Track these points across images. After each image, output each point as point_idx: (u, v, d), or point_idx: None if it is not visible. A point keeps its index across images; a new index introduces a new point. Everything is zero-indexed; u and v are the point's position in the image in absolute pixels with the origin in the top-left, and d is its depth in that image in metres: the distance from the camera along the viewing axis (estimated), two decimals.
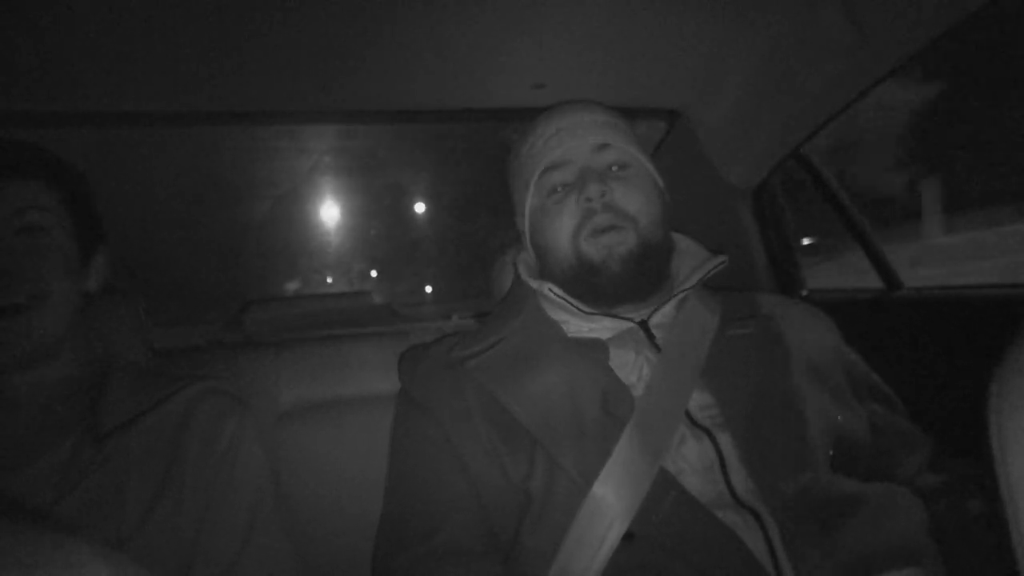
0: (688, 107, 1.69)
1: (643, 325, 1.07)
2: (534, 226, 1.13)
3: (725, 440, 0.94)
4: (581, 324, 1.09)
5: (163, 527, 0.84)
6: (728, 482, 0.91)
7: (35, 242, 0.87)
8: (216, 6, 1.05)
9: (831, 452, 0.95)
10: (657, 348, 1.03)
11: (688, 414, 0.96)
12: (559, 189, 1.08)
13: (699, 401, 0.98)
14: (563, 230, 1.06)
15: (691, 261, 1.14)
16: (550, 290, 1.07)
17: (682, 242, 1.17)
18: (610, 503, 0.87)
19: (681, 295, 1.08)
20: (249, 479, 0.94)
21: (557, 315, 1.11)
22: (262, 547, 0.91)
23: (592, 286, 1.04)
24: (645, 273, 1.05)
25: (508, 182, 1.22)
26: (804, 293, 1.82)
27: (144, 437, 0.89)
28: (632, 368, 1.02)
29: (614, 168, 1.08)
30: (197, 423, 0.93)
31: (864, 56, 1.27)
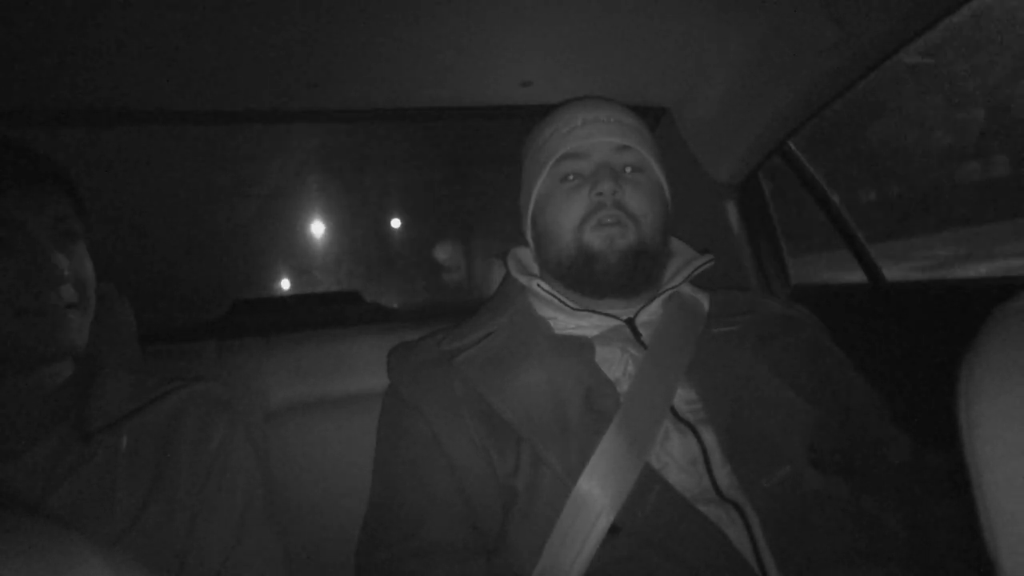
0: (674, 104, 1.70)
1: (629, 323, 1.08)
2: (539, 207, 1.14)
3: (708, 435, 0.95)
4: (568, 321, 1.10)
5: (154, 528, 0.84)
6: (712, 477, 0.92)
7: (75, 249, 0.89)
8: (208, 5, 1.05)
9: (811, 449, 0.96)
10: (643, 345, 1.05)
11: (673, 410, 0.97)
12: (572, 177, 1.09)
13: (683, 397, 0.99)
14: (569, 218, 1.07)
15: (678, 260, 1.16)
16: (539, 286, 1.08)
17: (674, 244, 1.19)
18: (595, 497, 0.88)
19: (667, 293, 1.10)
20: (239, 480, 0.94)
21: (545, 312, 1.11)
22: (253, 547, 0.92)
23: (588, 274, 1.06)
24: (639, 271, 1.06)
25: (521, 161, 1.23)
26: (790, 288, 1.84)
27: (133, 437, 0.89)
28: (618, 365, 1.03)
29: (628, 169, 1.10)
30: (187, 426, 0.93)
31: (846, 53, 1.28)
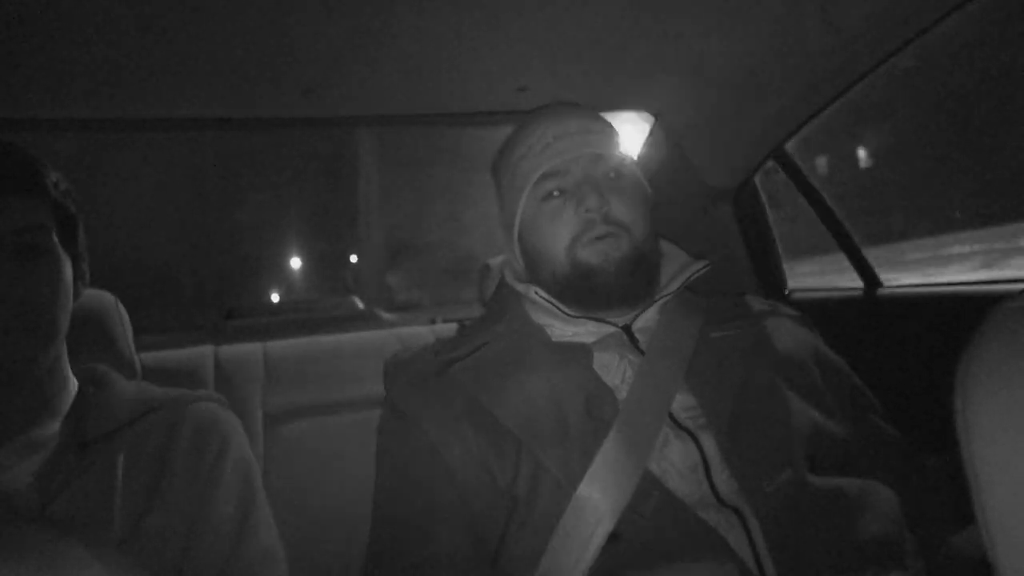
0: (669, 109, 1.70)
1: (626, 329, 1.08)
2: (525, 230, 1.13)
3: (708, 441, 0.95)
4: (565, 328, 1.09)
5: (152, 538, 0.83)
6: (711, 482, 0.91)
7: (34, 265, 0.84)
8: (201, 14, 1.05)
9: (810, 453, 0.96)
10: (640, 352, 1.04)
11: (671, 416, 0.97)
12: (555, 194, 1.08)
13: (682, 403, 0.99)
14: (559, 238, 1.06)
15: (674, 266, 1.15)
16: (536, 293, 1.08)
17: (664, 247, 1.18)
18: (595, 504, 0.88)
19: (664, 300, 1.09)
20: (237, 489, 0.94)
21: (541, 319, 1.11)
22: (251, 555, 0.91)
23: (587, 289, 1.05)
24: (638, 279, 1.06)
25: (497, 179, 1.22)
26: (786, 293, 1.84)
27: (130, 446, 0.89)
28: (616, 371, 1.02)
29: (612, 175, 1.09)
30: (185, 435, 0.93)
31: (840, 58, 1.29)
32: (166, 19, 1.05)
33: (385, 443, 1.09)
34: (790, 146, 1.64)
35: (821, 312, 1.22)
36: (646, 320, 1.09)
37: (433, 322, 1.80)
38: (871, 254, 1.64)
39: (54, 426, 0.88)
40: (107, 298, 1.20)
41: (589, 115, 1.15)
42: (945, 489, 1.00)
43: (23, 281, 0.82)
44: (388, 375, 1.12)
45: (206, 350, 1.42)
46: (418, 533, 0.96)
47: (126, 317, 1.22)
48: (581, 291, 1.05)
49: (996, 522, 0.41)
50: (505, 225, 1.19)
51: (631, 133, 1.80)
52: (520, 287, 1.12)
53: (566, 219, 1.06)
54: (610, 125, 1.16)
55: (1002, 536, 0.41)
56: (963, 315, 1.30)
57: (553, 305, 1.07)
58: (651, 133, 1.79)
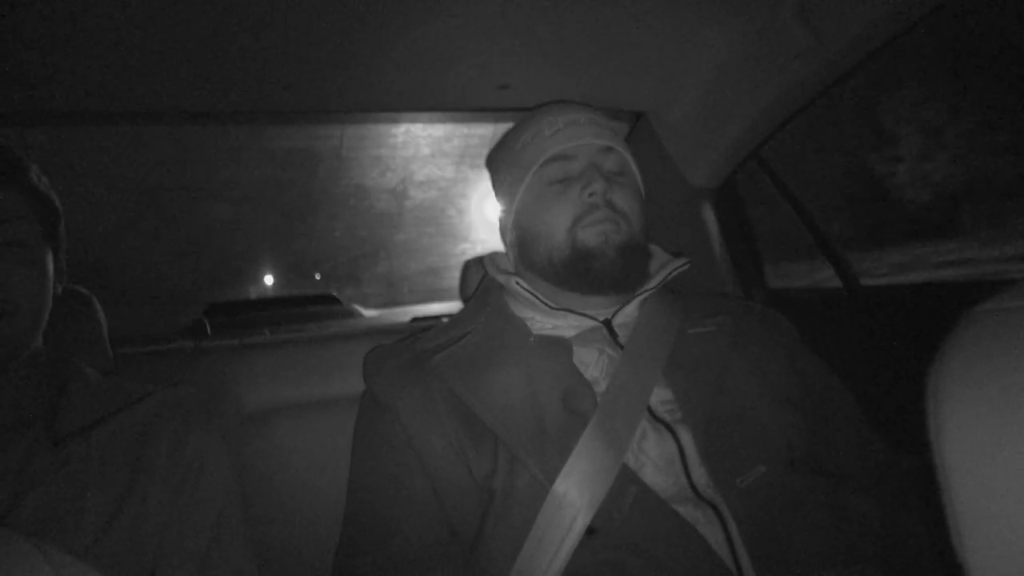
0: (651, 108, 1.71)
1: (607, 324, 1.08)
2: (525, 211, 1.13)
3: (685, 435, 0.95)
4: (545, 321, 1.10)
5: (125, 536, 0.82)
6: (688, 476, 0.92)
7: (11, 255, 0.84)
8: (181, 6, 1.04)
9: (786, 450, 0.97)
10: (620, 346, 1.05)
11: (649, 409, 0.98)
12: (561, 179, 1.09)
13: (660, 397, 0.99)
14: (560, 219, 1.07)
15: (654, 263, 1.16)
16: (517, 283, 1.08)
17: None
18: (572, 499, 0.88)
19: (644, 295, 1.10)
20: (215, 489, 0.93)
21: (522, 312, 1.12)
22: (227, 556, 0.90)
23: (584, 271, 1.06)
24: (634, 267, 1.08)
25: (496, 166, 1.23)
26: (766, 292, 1.85)
27: (104, 444, 0.87)
28: (595, 365, 1.03)
29: (615, 170, 1.11)
30: (161, 432, 0.91)
31: (820, 59, 1.30)
32: (145, 12, 1.04)
33: (360, 433, 1.09)
34: (772, 147, 1.66)
35: (801, 311, 1.23)
36: (626, 315, 1.10)
37: (415, 320, 1.79)
38: None
39: (28, 421, 0.87)
40: (82, 294, 1.18)
41: (596, 111, 1.17)
42: (920, 488, 1.01)
43: (3, 272, 0.83)
44: (368, 367, 1.11)
45: (184, 346, 1.40)
46: (386, 525, 0.96)
47: (101, 313, 1.20)
48: (578, 273, 1.06)
49: (965, 523, 0.41)
50: (502, 208, 1.20)
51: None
52: (501, 278, 1.13)
53: (569, 200, 1.07)
54: (615, 124, 1.18)
55: (971, 536, 0.41)
56: (942, 313, 1.32)
57: (535, 297, 1.07)
58: (633, 132, 1.80)
